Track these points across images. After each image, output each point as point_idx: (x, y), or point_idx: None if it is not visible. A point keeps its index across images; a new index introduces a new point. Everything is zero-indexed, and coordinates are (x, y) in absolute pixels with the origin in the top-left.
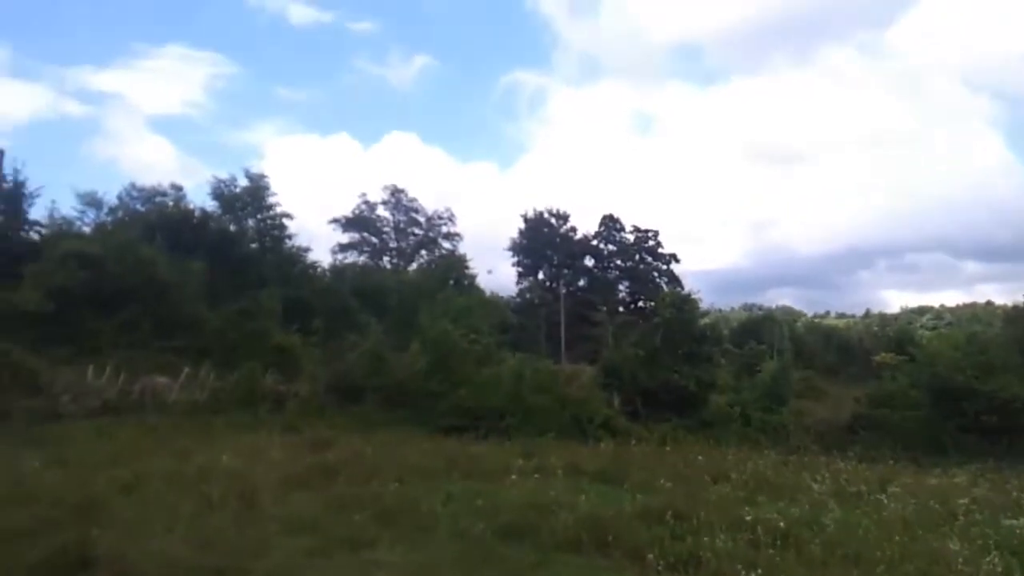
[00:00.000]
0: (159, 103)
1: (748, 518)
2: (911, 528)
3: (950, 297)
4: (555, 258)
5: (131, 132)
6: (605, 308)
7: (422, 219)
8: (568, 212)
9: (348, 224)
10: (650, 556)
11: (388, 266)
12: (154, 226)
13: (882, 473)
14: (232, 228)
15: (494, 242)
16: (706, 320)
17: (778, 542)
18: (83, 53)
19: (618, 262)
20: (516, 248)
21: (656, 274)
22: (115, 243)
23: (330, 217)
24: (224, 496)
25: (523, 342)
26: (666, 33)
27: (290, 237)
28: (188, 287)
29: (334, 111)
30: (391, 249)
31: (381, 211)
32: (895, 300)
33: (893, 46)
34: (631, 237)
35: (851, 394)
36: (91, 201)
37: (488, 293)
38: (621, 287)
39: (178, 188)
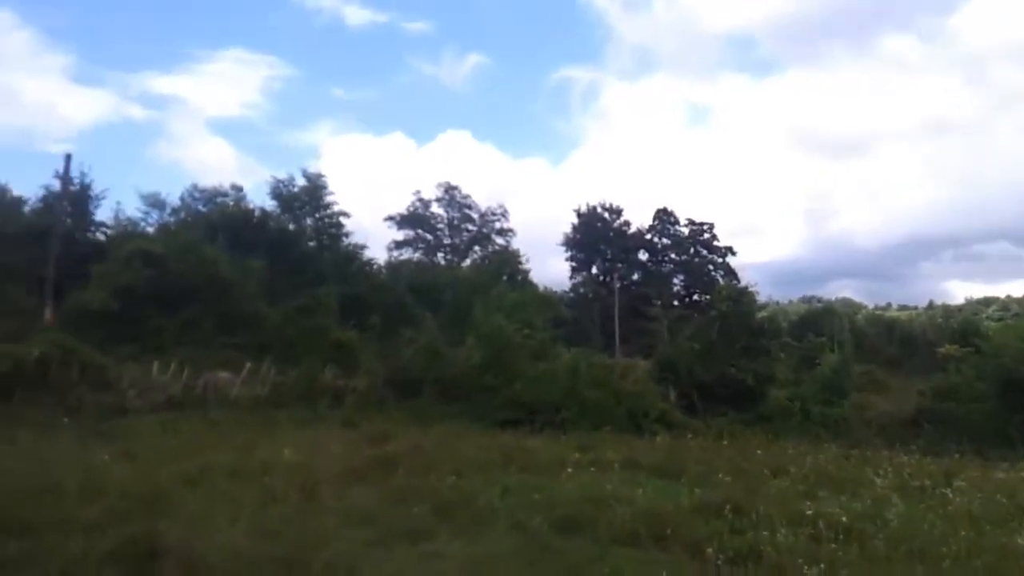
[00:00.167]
0: (219, 106)
1: (809, 512)
2: (978, 523)
3: (1017, 287)
4: (608, 252)
5: (192, 134)
6: (660, 302)
7: (475, 215)
8: (621, 206)
9: (403, 221)
10: (709, 550)
11: (442, 262)
12: (216, 226)
13: (947, 467)
14: (291, 227)
15: (547, 237)
16: (764, 313)
17: (840, 537)
18: (145, 59)
19: (673, 255)
20: (569, 243)
21: (711, 267)
22: (178, 243)
23: (385, 215)
24: (286, 489)
25: (577, 337)
26: (720, 24)
27: (347, 235)
28: (248, 285)
29: (389, 110)
30: (445, 245)
31: (435, 208)
32: (959, 291)
33: (956, 32)
34: (686, 230)
35: (914, 387)
36: (154, 202)
37: (542, 288)
38: (676, 281)
39: (238, 188)
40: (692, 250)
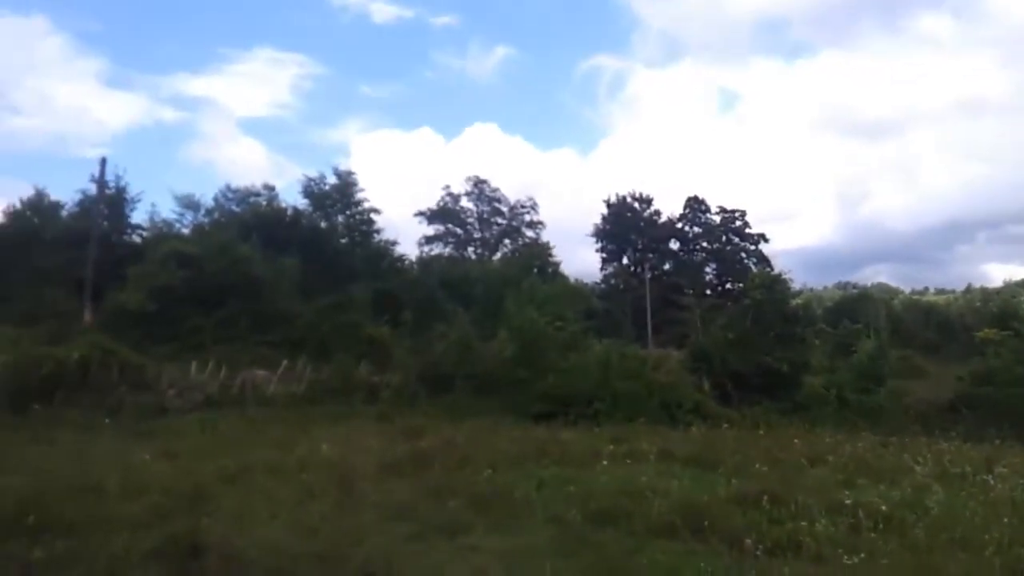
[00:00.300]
0: (249, 106)
1: (848, 502)
2: (1020, 510)
3: None
4: (639, 242)
5: (224, 135)
6: (692, 291)
7: (505, 209)
8: (651, 195)
9: (433, 216)
10: (748, 541)
11: (473, 256)
12: (249, 225)
13: (988, 453)
14: (323, 225)
15: (577, 229)
16: (798, 300)
17: (880, 526)
18: (176, 61)
19: (704, 244)
20: (599, 234)
21: (744, 255)
22: (212, 243)
23: (415, 210)
24: (323, 484)
25: (609, 328)
26: (749, 8)
27: (378, 231)
28: (282, 283)
29: (416, 106)
30: (475, 239)
31: (464, 202)
32: (997, 274)
33: (990, 10)
34: (717, 218)
35: (953, 372)
36: (189, 203)
37: (572, 280)
38: (708, 270)
39: (270, 188)
40: (724, 238)
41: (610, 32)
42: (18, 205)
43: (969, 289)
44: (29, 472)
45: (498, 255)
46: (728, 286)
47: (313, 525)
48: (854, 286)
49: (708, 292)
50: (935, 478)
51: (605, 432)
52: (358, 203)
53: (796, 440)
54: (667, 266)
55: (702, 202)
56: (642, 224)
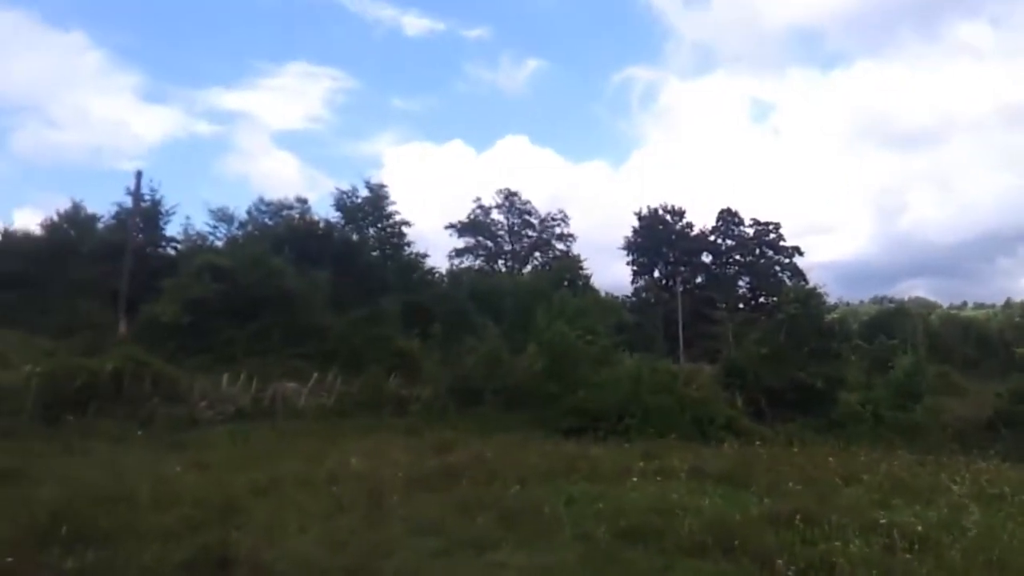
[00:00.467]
0: (284, 119)
1: (883, 522)
2: None
3: None
4: (671, 255)
5: (258, 148)
6: (724, 305)
7: (535, 221)
8: (683, 208)
9: (464, 229)
10: (779, 562)
11: (503, 269)
12: (282, 238)
13: None
14: (354, 237)
15: (608, 241)
16: (833, 315)
17: (915, 547)
18: (211, 75)
19: (737, 257)
20: (630, 246)
21: (778, 268)
22: (246, 256)
23: (446, 222)
24: (353, 498)
25: (640, 342)
26: (783, 18)
27: (409, 244)
28: (314, 296)
29: (448, 119)
30: (506, 252)
31: (495, 215)
32: None
33: None
34: (751, 231)
35: (992, 389)
36: (223, 216)
37: (603, 293)
38: (741, 283)
39: (303, 201)
40: (757, 251)
41: (643, 43)
42: (55, 218)
43: (1009, 304)
44: (62, 482)
45: (528, 268)
46: (761, 300)
47: (342, 539)
48: (890, 300)
49: (741, 306)
50: (972, 498)
51: (636, 448)
52: (389, 216)
53: (830, 458)
54: (699, 279)
55: (735, 214)
56: (674, 237)
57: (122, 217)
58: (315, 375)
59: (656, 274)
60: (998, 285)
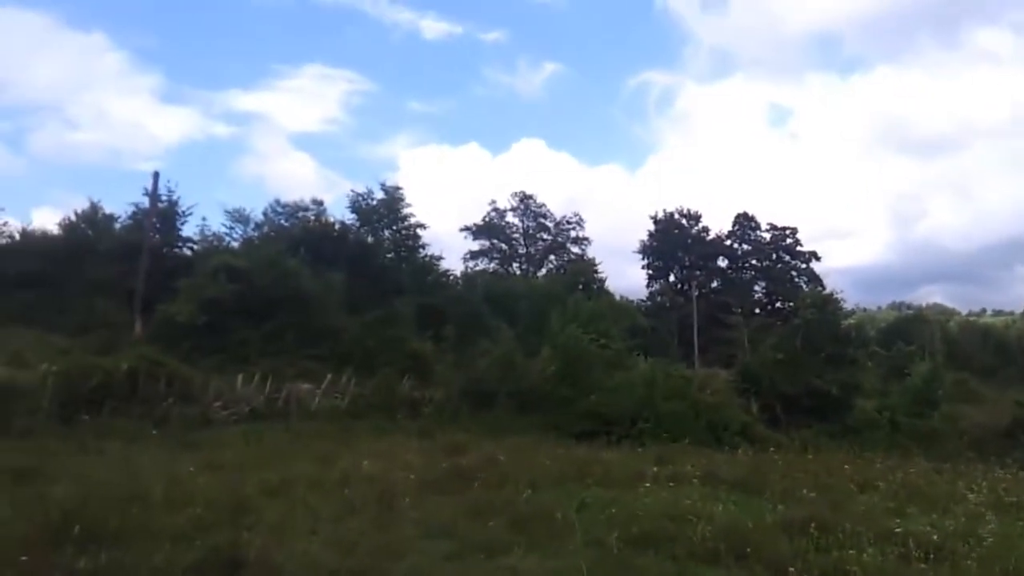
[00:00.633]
0: (300, 121)
1: (898, 530)
2: None
3: None
4: (686, 259)
5: (275, 150)
6: (740, 310)
7: (550, 224)
8: (700, 212)
9: (478, 232)
10: (792, 569)
11: (518, 272)
12: (297, 240)
13: None
14: (369, 239)
15: (623, 245)
16: (850, 321)
17: (931, 556)
18: (229, 77)
19: (753, 262)
20: (646, 250)
21: (795, 273)
22: (261, 257)
23: (461, 225)
24: (365, 500)
25: (654, 346)
26: (802, 23)
27: (424, 246)
28: (329, 297)
29: (464, 122)
30: (520, 255)
31: (510, 218)
32: None
33: None
34: (767, 236)
35: (1010, 397)
36: (239, 218)
37: (618, 297)
38: (757, 288)
39: (319, 203)
40: (774, 256)
41: (660, 48)
42: (73, 218)
43: None
44: (77, 482)
45: (543, 271)
46: (778, 305)
47: (353, 540)
48: (908, 307)
49: (757, 311)
50: (989, 507)
51: (649, 453)
52: (404, 218)
53: (846, 465)
54: (715, 284)
55: (752, 219)
56: (690, 241)
57: (139, 217)
58: (329, 376)
59: (671, 278)
60: (1017, 292)
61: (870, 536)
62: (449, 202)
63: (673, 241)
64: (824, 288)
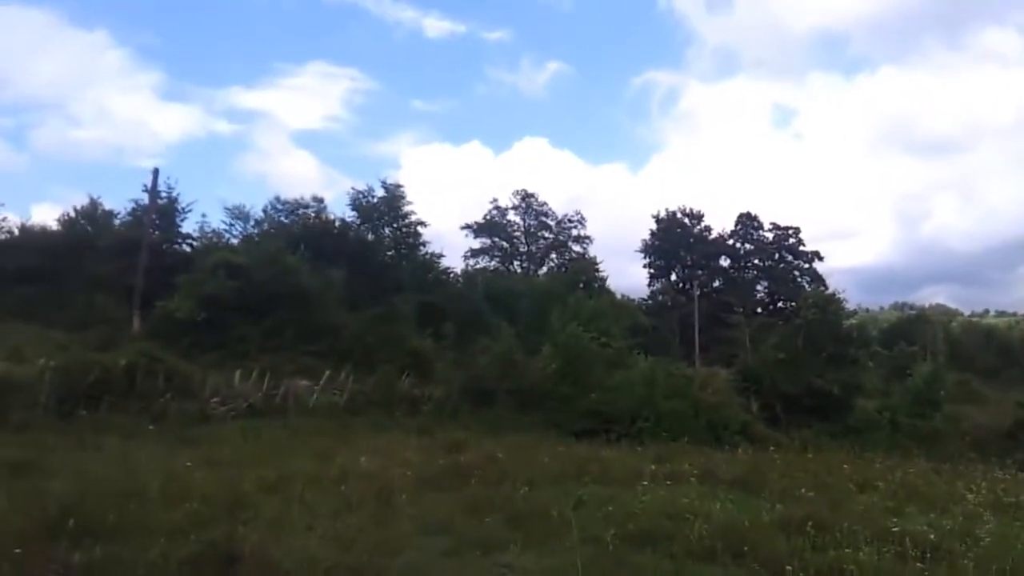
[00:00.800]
0: (302, 119)
1: (895, 530)
2: None
3: None
4: (688, 259)
5: (277, 148)
6: (742, 310)
7: (552, 223)
8: (702, 211)
9: (480, 230)
10: (789, 568)
11: (519, 270)
12: (297, 237)
13: None
14: (370, 237)
15: (625, 244)
16: (853, 321)
17: (928, 555)
18: (231, 74)
19: (756, 261)
20: (648, 249)
21: (797, 273)
22: (261, 254)
23: (462, 223)
24: (362, 496)
25: (655, 345)
26: (807, 23)
27: (424, 244)
28: (329, 294)
29: (467, 120)
30: (521, 253)
31: (512, 216)
32: None
33: None
34: (770, 235)
35: (1013, 398)
36: (239, 214)
37: (619, 296)
38: (759, 288)
39: (319, 200)
40: (776, 255)
41: (664, 47)
42: (72, 214)
43: None
44: (74, 477)
45: (544, 269)
46: (780, 305)
47: (350, 537)
48: (911, 307)
49: (759, 311)
50: (988, 507)
51: (648, 451)
52: (405, 216)
53: (845, 465)
54: (717, 283)
55: (754, 218)
56: (692, 240)
57: (138, 214)
58: (328, 373)
59: (673, 277)
60: (1020, 294)
61: (867, 535)
62: (451, 200)
63: (675, 240)
64: (826, 288)
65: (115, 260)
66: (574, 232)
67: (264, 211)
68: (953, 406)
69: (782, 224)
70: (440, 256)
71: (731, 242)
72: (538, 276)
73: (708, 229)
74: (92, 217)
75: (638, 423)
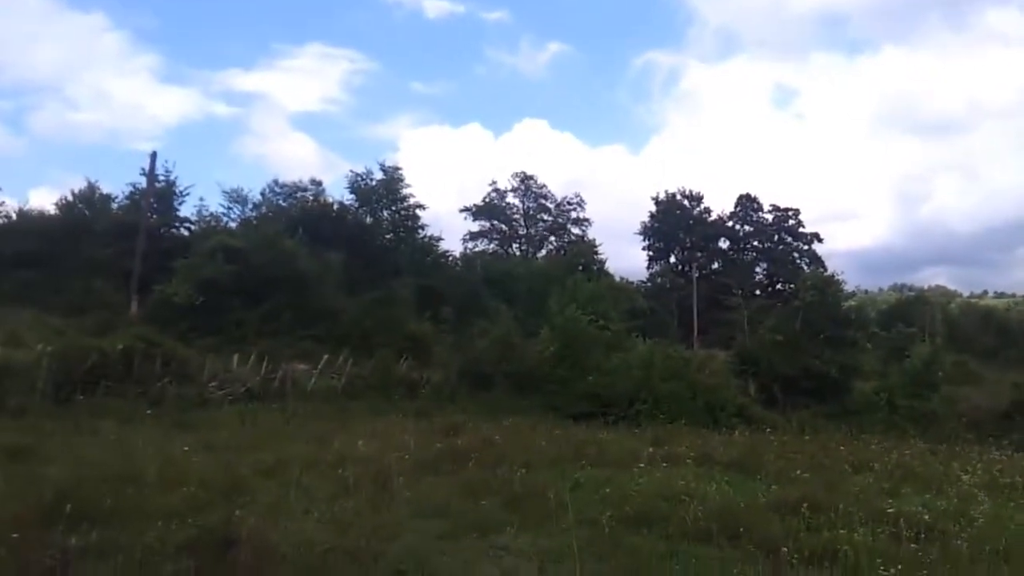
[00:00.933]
0: (301, 101)
1: (890, 510)
2: None
3: None
4: (688, 240)
5: (275, 130)
6: (740, 292)
7: (551, 205)
8: (702, 193)
9: (478, 212)
10: (784, 549)
11: (517, 253)
12: (296, 220)
13: None
14: (368, 220)
15: (624, 226)
16: (851, 303)
17: (922, 536)
18: (228, 56)
19: (755, 243)
20: (647, 231)
21: (796, 255)
22: (259, 237)
23: (461, 206)
24: (359, 480)
25: (654, 327)
26: (808, 3)
27: (423, 227)
28: (327, 278)
29: (466, 102)
30: (520, 236)
31: (511, 198)
32: None
33: None
34: (769, 217)
35: (1010, 379)
36: (237, 198)
37: (618, 278)
38: (758, 269)
39: (317, 183)
40: (776, 237)
41: (665, 28)
42: (70, 198)
43: None
44: (71, 461)
45: (543, 252)
46: (779, 287)
47: (347, 520)
48: (910, 289)
49: (757, 293)
50: (983, 488)
51: (646, 434)
52: (404, 199)
53: (842, 446)
54: (716, 265)
55: (754, 200)
56: (691, 222)
57: (136, 198)
58: (326, 357)
59: (672, 259)
60: (1019, 275)
61: (862, 516)
62: (450, 183)
63: (674, 222)
64: (826, 270)
65: (113, 244)
66: (573, 215)
67: (262, 194)
68: (950, 387)
69: (782, 206)
70: (439, 239)
71: (730, 224)
72: (537, 259)
73: (707, 211)
74: (90, 201)
75: (636, 405)
